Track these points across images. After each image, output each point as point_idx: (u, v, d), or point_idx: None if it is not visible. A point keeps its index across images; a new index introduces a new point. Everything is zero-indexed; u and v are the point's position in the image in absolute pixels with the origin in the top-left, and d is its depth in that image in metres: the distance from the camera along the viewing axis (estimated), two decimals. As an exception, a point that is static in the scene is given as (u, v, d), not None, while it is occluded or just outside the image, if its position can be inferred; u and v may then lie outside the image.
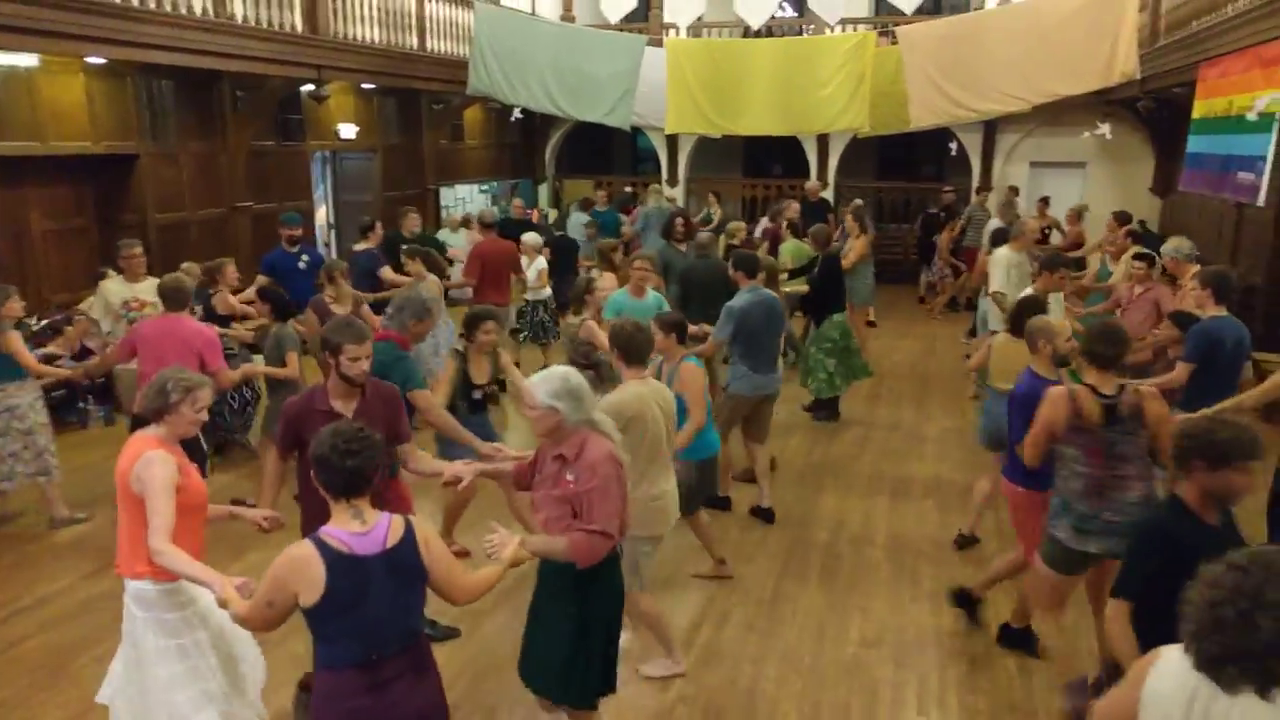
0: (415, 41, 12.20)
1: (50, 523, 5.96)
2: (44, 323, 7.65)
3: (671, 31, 14.17)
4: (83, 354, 7.24)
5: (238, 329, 6.95)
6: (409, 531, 2.63)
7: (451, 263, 9.51)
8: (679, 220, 8.36)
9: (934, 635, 4.70)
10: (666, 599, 4.87)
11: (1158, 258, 6.78)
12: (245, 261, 8.63)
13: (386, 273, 8.28)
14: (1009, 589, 4.79)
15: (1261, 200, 7.53)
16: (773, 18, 13.93)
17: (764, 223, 12.42)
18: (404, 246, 8.43)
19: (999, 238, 8.44)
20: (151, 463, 3.16)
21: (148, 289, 6.66)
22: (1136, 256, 6.82)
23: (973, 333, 9.36)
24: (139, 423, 3.48)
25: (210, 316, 6.77)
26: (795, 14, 17.10)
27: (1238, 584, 1.85)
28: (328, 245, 12.66)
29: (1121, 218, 8.94)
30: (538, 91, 13.06)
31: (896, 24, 13.30)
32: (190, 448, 3.72)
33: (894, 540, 5.81)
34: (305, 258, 8.23)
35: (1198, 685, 1.93)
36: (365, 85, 11.89)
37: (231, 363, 6.03)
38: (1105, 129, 13.26)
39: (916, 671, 4.39)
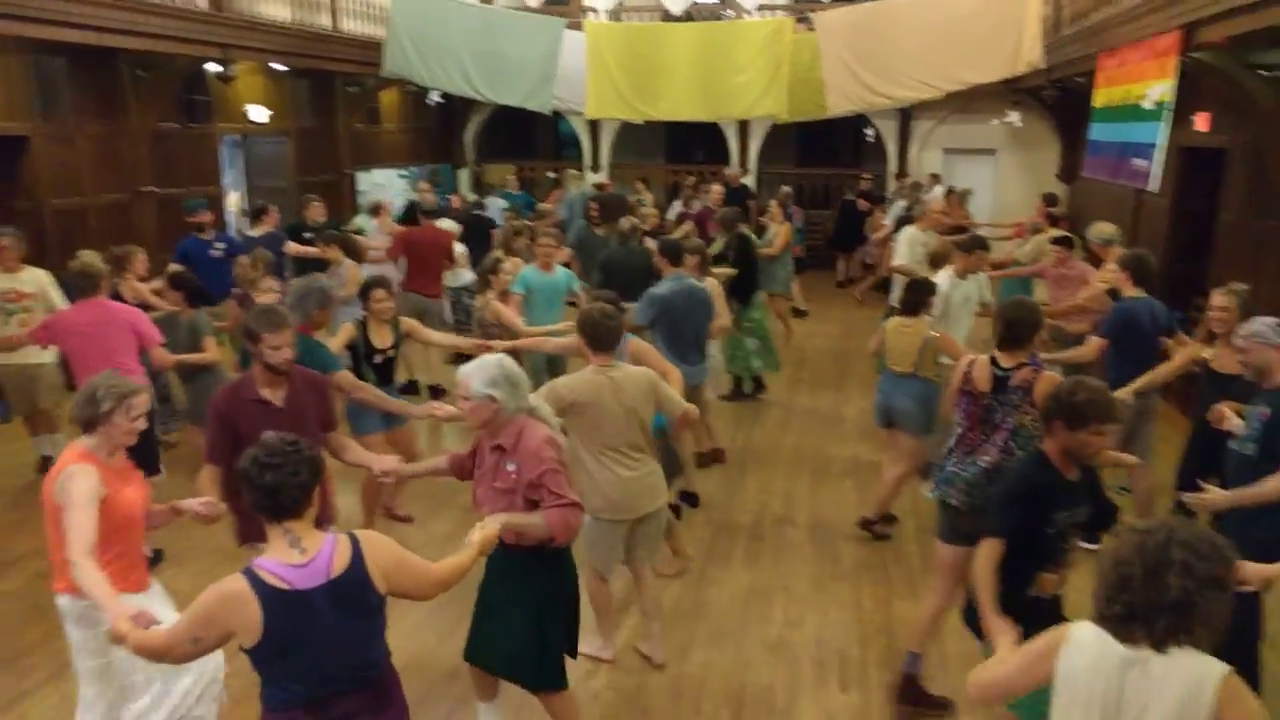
0: (328, 21, 11.85)
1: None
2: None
3: (591, 15, 14.08)
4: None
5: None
6: (356, 554, 2.38)
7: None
8: (593, 205, 8.37)
9: (855, 613, 4.82)
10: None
11: (1075, 241, 7.16)
12: (152, 249, 8.26)
13: (291, 247, 8.08)
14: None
15: (1154, 186, 7.87)
16: (693, 3, 13.98)
17: (677, 207, 12.47)
18: (312, 234, 8.21)
19: (905, 220, 8.86)
20: (71, 476, 3.02)
21: (30, 280, 6.22)
22: (1055, 240, 7.22)
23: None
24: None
25: None
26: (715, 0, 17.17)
27: (1142, 544, 1.95)
28: (241, 232, 12.22)
29: (1049, 199, 9.84)
30: (455, 74, 12.84)
31: (813, 11, 13.47)
32: (141, 454, 3.59)
33: (815, 521, 5.93)
34: (221, 245, 7.95)
35: (1108, 658, 2.02)
36: (275, 66, 11.50)
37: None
38: (1014, 117, 13.70)
39: (838, 650, 4.49)
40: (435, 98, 14.84)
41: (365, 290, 5.30)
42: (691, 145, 17.41)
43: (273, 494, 2.28)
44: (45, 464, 6.17)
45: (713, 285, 6.32)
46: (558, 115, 15.04)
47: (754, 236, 8.66)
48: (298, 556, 2.31)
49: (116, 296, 6.56)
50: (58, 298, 6.20)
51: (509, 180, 13.52)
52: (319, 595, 2.29)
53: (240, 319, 5.90)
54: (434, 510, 5.93)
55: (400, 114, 15.29)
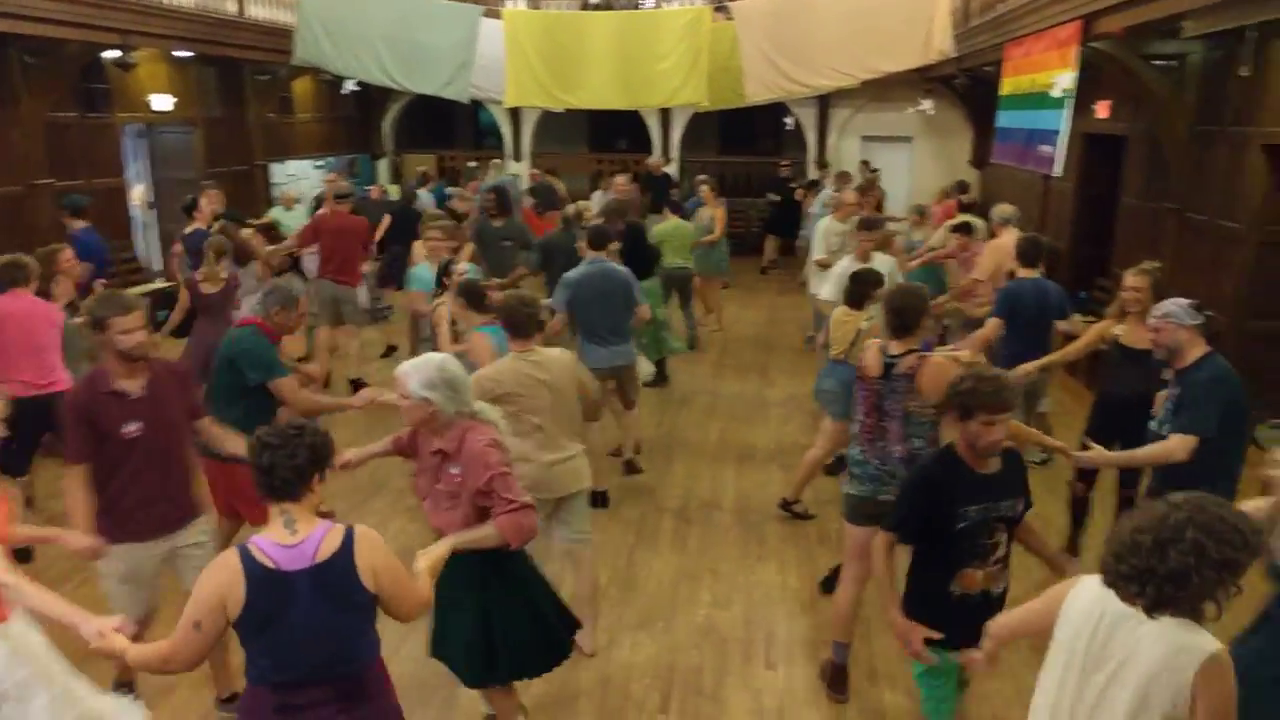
0: (234, 7, 11.44)
1: None
2: None
3: (509, 3, 13.92)
4: None
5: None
6: (346, 545, 2.37)
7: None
8: (490, 196, 8.37)
9: (780, 593, 4.90)
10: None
11: (974, 226, 7.41)
12: (49, 244, 7.88)
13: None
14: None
15: (1058, 171, 8.17)
16: (611, -9, 13.94)
17: (597, 196, 12.47)
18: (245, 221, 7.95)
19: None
20: None
21: None
22: (954, 227, 7.47)
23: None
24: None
25: None
26: (633, -12, 17.15)
27: (1164, 517, 2.04)
28: (146, 226, 11.76)
29: (959, 187, 10.23)
30: (369, 62, 12.56)
31: (731, 0, 13.57)
32: (11, 459, 3.44)
33: (741, 504, 6.00)
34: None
35: (1106, 608, 2.14)
36: (179, 53, 11.06)
37: None
38: (927, 105, 14.04)
39: (765, 628, 4.56)
40: (350, 86, 14.48)
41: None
42: (614, 134, 17.39)
43: (268, 474, 2.32)
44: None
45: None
46: (478, 104, 14.85)
47: (642, 225, 8.77)
48: (288, 538, 2.34)
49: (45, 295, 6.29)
50: None
51: (422, 173, 13.30)
52: (301, 578, 2.31)
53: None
54: (364, 501, 5.81)
55: (315, 103, 14.89)
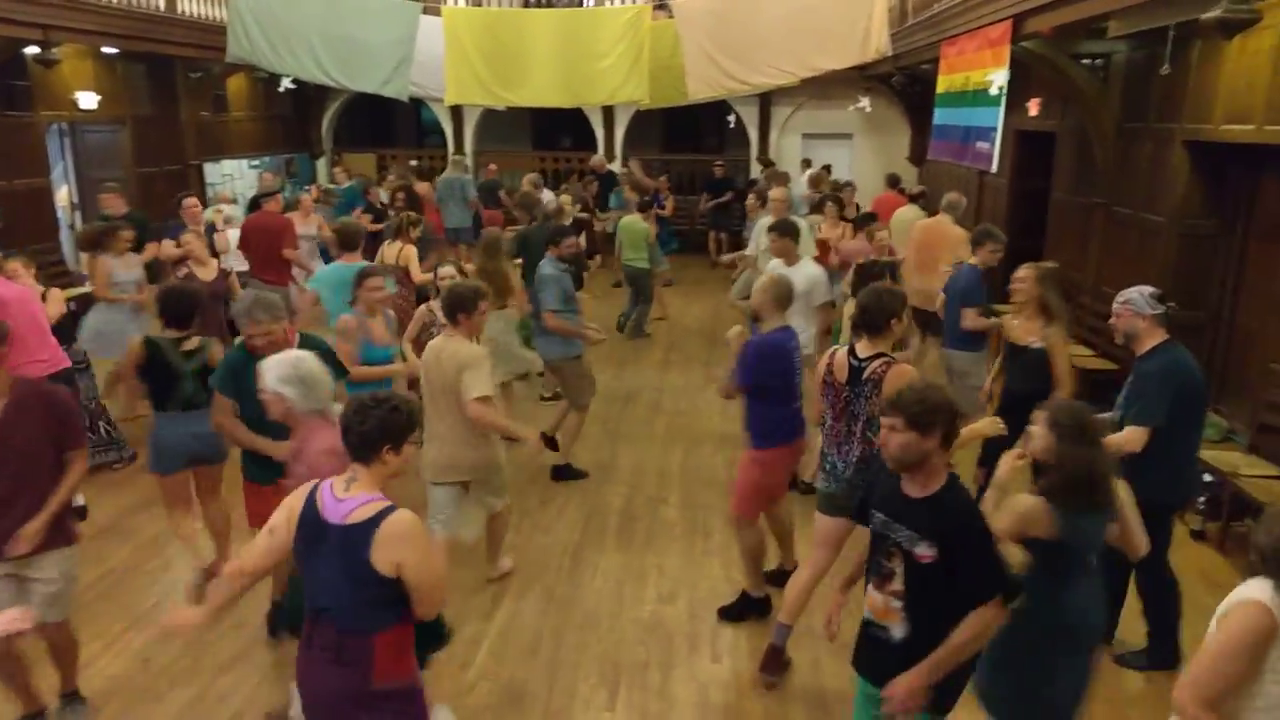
0: (164, 2, 11.13)
1: None
2: None
3: (449, 0, 13.77)
4: None
5: None
6: (372, 523, 2.49)
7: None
8: (398, 195, 8.49)
9: (725, 586, 4.91)
10: (465, 576, 4.80)
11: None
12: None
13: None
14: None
15: (994, 168, 8.35)
16: (552, -12, 13.88)
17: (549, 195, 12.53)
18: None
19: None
20: None
21: None
22: (855, 220, 8.07)
23: None
24: None
25: None
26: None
27: None
28: (72, 227, 11.38)
29: (891, 181, 10.70)
30: (306, 60, 12.30)
31: (672, -2, 13.62)
32: None
33: (687, 498, 6.03)
34: None
35: None
36: (106, 50, 10.73)
37: None
38: (865, 102, 14.25)
39: (710, 622, 4.58)
40: (287, 84, 14.18)
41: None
42: (558, 132, 17.32)
43: (344, 434, 2.58)
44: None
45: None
46: (419, 102, 14.67)
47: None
48: (341, 492, 2.56)
49: None
50: None
51: (337, 174, 13.21)
52: (333, 531, 2.52)
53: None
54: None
55: (250, 101, 14.56)
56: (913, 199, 9.96)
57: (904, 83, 12.96)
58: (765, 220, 8.14)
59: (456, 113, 15.17)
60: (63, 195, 11.27)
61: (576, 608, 4.72)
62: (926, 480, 2.73)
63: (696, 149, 17.34)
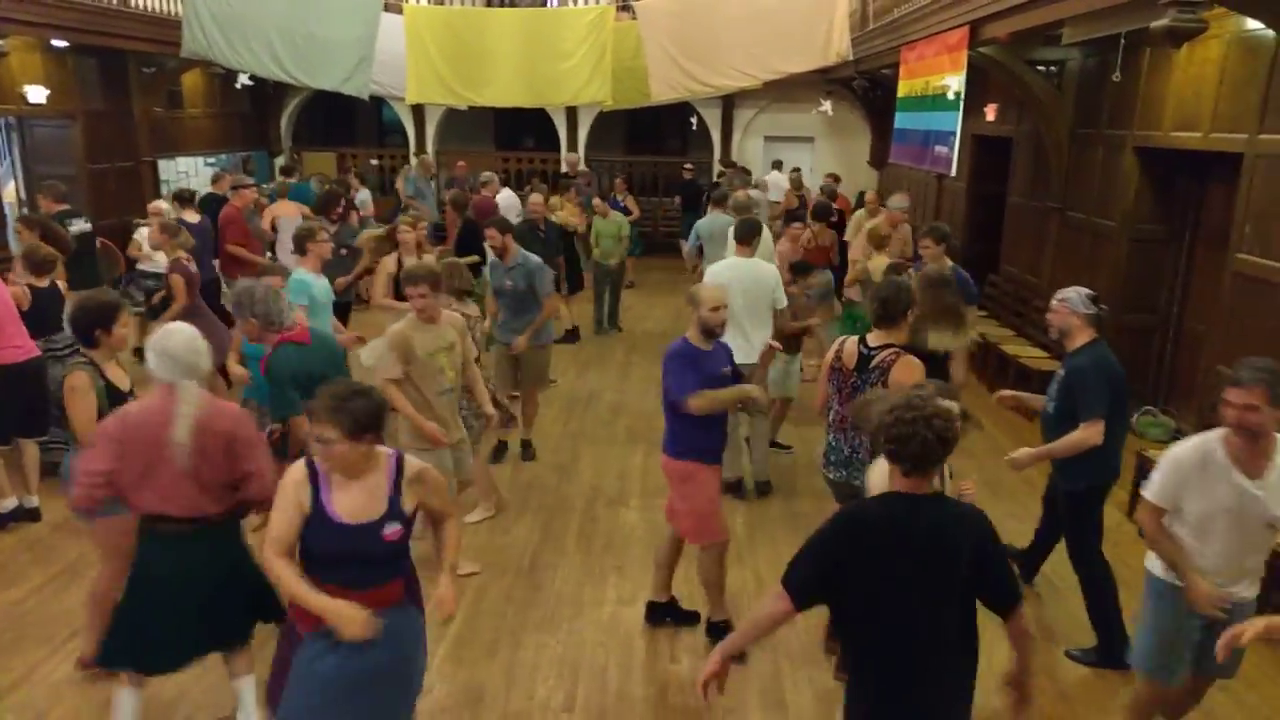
0: (115, -5, 10.90)
1: None
2: None
3: (411, -3, 13.66)
4: None
5: None
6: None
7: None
8: (333, 199, 8.38)
9: (686, 586, 4.86)
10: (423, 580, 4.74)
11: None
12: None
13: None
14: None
15: (954, 172, 8.47)
16: (515, -12, 13.83)
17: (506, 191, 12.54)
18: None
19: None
20: None
21: None
22: (788, 219, 8.17)
23: None
24: None
25: None
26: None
27: None
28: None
29: (831, 181, 11.26)
30: (263, 55, 12.12)
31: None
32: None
33: (647, 500, 6.01)
34: None
35: None
36: (56, 42, 10.48)
37: None
38: (827, 106, 14.38)
39: (669, 623, 4.57)
40: (244, 80, 13.96)
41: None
42: (521, 132, 17.27)
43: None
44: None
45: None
46: (380, 100, 14.52)
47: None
48: None
49: None
50: None
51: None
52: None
53: None
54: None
55: (206, 98, 14.31)
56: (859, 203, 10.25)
57: (865, 87, 13.11)
58: (721, 219, 8.16)
59: (418, 112, 15.04)
60: (9, 191, 10.98)
61: (535, 609, 4.69)
62: None
63: (659, 150, 17.37)
